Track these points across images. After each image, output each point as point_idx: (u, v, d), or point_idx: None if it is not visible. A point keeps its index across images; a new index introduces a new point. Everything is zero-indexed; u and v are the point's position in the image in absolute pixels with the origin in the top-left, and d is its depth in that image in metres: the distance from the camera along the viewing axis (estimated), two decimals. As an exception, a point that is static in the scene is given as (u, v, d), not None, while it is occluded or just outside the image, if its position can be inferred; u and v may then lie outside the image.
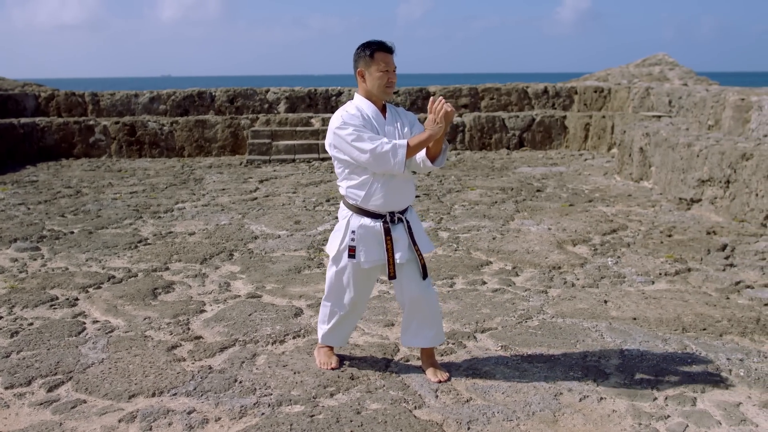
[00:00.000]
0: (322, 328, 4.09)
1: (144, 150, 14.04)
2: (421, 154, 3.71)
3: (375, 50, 3.62)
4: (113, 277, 5.96)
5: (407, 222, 3.81)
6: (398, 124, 3.79)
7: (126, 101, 14.59)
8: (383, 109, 3.80)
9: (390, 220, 3.75)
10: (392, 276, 3.76)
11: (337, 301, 3.98)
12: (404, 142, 3.60)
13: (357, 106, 3.72)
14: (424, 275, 3.81)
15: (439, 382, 3.89)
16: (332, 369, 4.06)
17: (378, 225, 3.73)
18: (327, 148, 3.78)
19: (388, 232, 3.73)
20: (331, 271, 3.94)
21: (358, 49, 3.70)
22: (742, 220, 7.69)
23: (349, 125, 3.60)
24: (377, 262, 3.78)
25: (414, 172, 3.86)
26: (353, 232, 3.75)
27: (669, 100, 12.57)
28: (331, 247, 3.89)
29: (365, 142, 3.57)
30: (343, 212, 3.85)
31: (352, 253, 3.75)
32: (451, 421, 3.49)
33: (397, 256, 3.73)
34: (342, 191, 3.82)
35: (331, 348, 4.20)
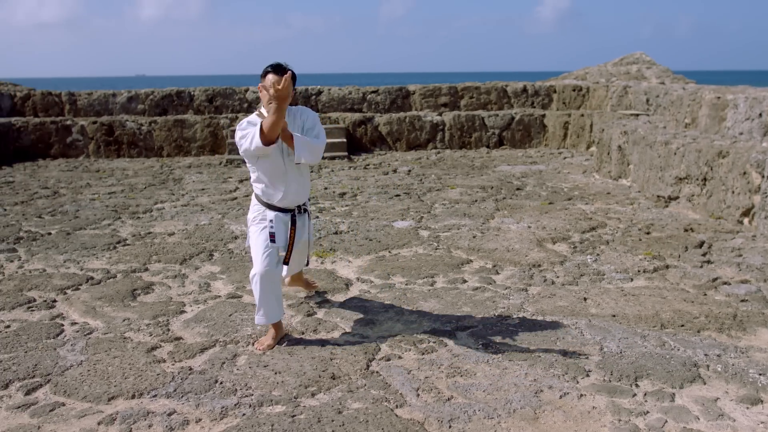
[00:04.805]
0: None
1: (122, 150, 13.93)
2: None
3: (266, 72, 4.26)
4: (92, 278, 5.91)
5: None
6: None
7: (103, 101, 14.47)
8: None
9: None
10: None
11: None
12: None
13: (258, 112, 4.43)
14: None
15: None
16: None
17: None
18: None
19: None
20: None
21: None
22: (719, 217, 7.78)
23: (242, 129, 4.30)
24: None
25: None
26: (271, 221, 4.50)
27: (646, 98, 12.67)
28: None
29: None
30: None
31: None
32: (432, 420, 3.50)
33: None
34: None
35: None
